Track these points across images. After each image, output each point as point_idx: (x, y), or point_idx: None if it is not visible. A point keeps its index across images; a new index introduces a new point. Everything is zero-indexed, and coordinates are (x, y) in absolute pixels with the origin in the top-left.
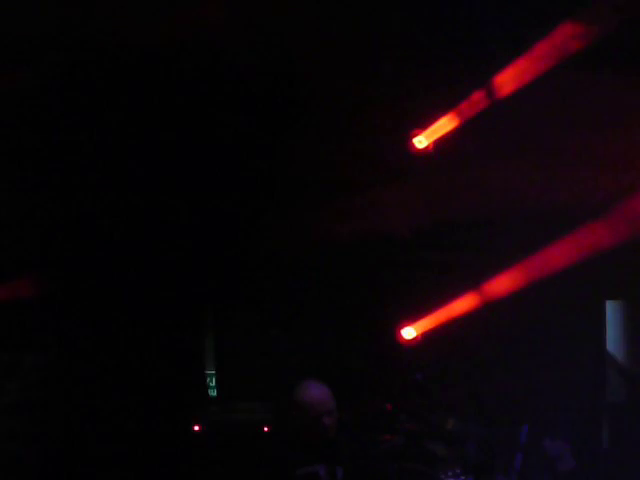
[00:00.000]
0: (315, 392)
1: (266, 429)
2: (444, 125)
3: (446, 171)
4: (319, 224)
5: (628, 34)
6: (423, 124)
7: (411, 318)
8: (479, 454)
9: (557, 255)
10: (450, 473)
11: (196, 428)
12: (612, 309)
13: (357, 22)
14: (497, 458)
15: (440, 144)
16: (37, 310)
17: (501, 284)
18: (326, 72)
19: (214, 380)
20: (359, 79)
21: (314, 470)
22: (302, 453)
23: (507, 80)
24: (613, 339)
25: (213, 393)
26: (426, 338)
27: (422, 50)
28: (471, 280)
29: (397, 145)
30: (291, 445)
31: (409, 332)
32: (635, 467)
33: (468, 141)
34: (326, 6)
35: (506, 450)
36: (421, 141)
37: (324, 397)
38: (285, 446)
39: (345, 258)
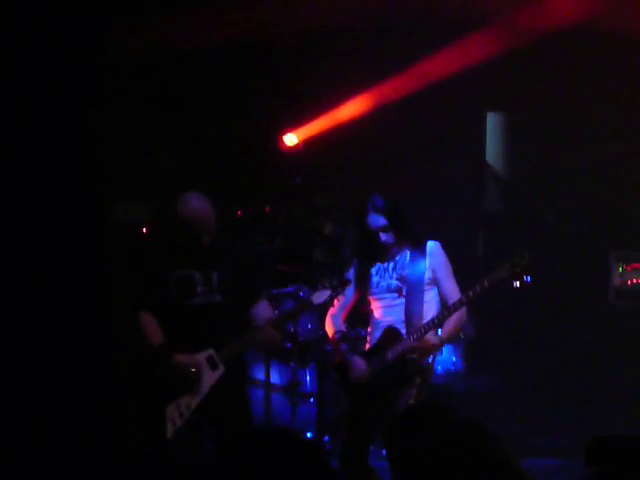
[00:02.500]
0: (197, 206)
1: (144, 230)
2: None
3: None
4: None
5: None
6: None
7: (293, 125)
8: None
9: (442, 63)
10: (327, 284)
11: None
12: (492, 121)
13: None
14: None
15: None
16: None
17: (386, 90)
18: None
19: None
20: None
21: (189, 274)
22: (179, 258)
23: None
24: (492, 150)
25: None
26: (308, 144)
27: None
28: (356, 86)
29: None
30: (168, 250)
31: (291, 138)
32: None
33: None
34: None
35: None
36: None
37: (205, 212)
38: (163, 249)
39: (227, 61)
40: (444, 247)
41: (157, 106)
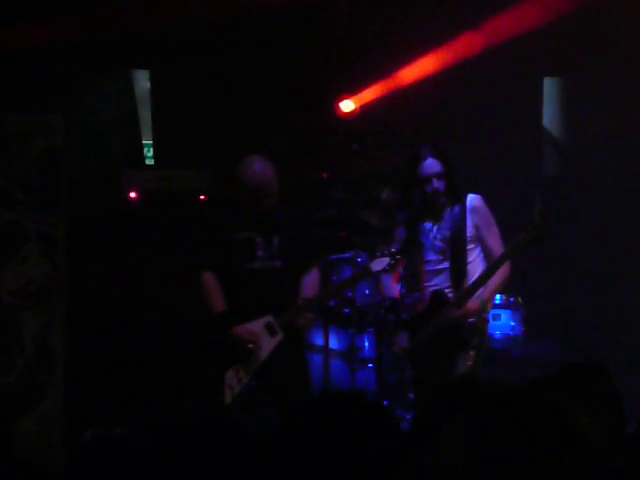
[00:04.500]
0: (258, 170)
1: (202, 197)
2: None
3: None
4: None
5: None
6: None
7: (350, 91)
8: None
9: (497, 29)
10: (386, 252)
11: (132, 195)
12: (549, 86)
13: None
14: None
15: None
16: None
17: (442, 55)
18: None
19: (151, 149)
20: None
21: (251, 236)
22: (239, 222)
23: None
24: (549, 115)
25: (150, 162)
26: (364, 110)
27: None
28: (412, 51)
29: None
30: (230, 213)
31: (347, 105)
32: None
33: None
34: None
35: None
36: None
37: (267, 176)
38: (223, 213)
39: (283, 27)
40: (487, 201)
41: (213, 73)
